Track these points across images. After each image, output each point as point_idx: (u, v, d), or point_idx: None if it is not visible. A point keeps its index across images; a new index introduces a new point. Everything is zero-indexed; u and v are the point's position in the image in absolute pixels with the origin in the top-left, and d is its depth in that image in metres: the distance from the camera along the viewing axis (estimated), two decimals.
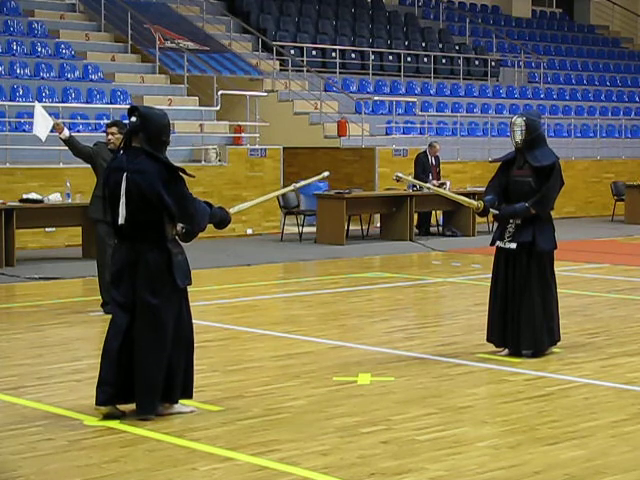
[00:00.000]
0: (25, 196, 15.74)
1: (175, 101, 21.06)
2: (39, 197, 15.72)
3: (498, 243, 9.10)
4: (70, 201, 15.72)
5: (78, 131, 18.82)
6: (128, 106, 7.23)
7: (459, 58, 28.38)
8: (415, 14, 30.80)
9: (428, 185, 10.77)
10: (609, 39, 35.40)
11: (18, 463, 6.02)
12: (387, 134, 23.53)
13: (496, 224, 9.42)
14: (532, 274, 8.92)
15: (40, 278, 13.99)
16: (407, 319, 11.46)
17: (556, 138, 26.23)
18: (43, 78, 20.19)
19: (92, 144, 11.35)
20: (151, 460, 6.10)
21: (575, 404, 7.45)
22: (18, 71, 20.09)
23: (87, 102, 19.88)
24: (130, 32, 22.36)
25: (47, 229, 16.97)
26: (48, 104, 19.18)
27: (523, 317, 8.88)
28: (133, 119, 6.97)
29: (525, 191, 8.96)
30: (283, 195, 17.64)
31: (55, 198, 15.81)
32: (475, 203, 9.14)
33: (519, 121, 8.95)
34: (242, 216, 18.31)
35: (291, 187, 8.44)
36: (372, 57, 26.57)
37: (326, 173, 8.55)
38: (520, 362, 8.81)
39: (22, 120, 18.52)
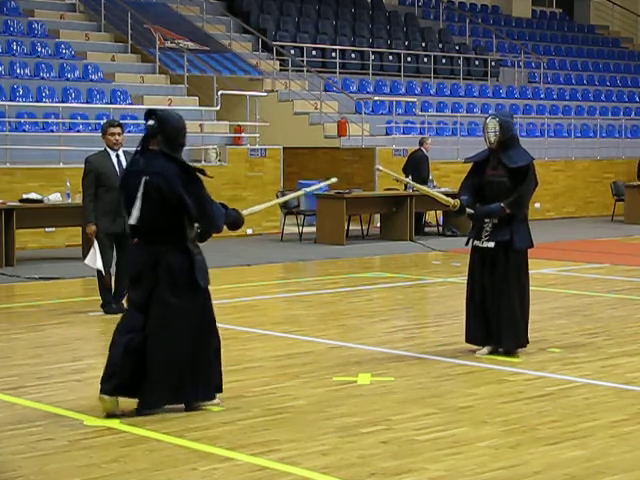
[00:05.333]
0: (25, 196, 15.74)
1: (175, 101, 21.04)
2: (39, 197, 15.71)
3: (475, 242, 9.12)
4: (70, 201, 15.68)
5: (78, 131, 18.86)
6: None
7: (459, 58, 28.37)
8: (415, 14, 30.80)
9: (407, 180, 10.82)
10: (609, 39, 35.39)
11: (18, 463, 6.02)
12: (387, 134, 23.52)
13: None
14: (510, 272, 8.96)
15: (40, 278, 13.99)
16: (407, 319, 11.46)
17: (556, 138, 26.24)
18: (43, 78, 20.18)
19: (84, 160, 11.20)
20: (151, 460, 6.10)
21: (575, 404, 7.45)
22: (18, 71, 20.08)
23: (87, 102, 19.86)
24: (130, 32, 22.36)
25: (47, 229, 16.97)
26: (48, 104, 19.23)
27: (504, 315, 8.89)
28: (151, 122, 7.00)
29: (500, 191, 9.00)
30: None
31: (55, 198, 15.80)
32: (452, 201, 9.17)
33: (493, 122, 8.98)
34: None
35: (301, 192, 8.81)
36: (372, 57, 26.56)
37: (334, 179, 8.80)
38: (520, 362, 8.81)
39: (22, 120, 18.52)
